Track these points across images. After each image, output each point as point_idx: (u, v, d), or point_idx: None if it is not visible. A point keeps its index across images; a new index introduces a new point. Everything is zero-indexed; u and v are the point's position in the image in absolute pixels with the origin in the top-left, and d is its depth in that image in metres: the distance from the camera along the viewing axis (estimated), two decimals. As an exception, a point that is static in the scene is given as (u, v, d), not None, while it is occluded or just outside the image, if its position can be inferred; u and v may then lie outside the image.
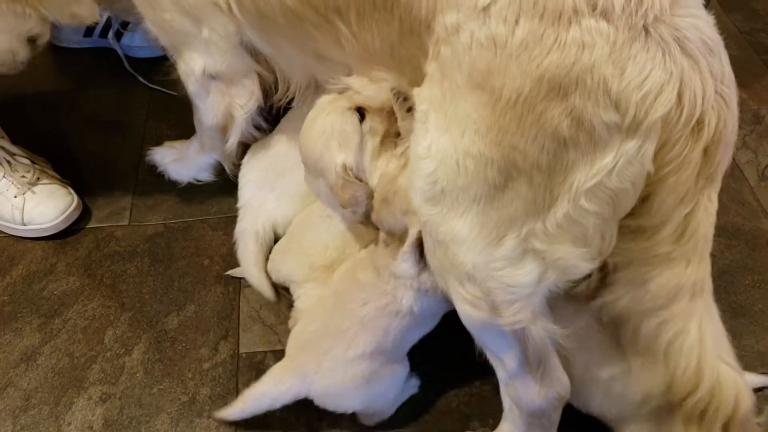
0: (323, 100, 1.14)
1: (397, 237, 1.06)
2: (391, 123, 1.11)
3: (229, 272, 1.37)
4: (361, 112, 1.11)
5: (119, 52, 1.87)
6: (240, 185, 1.41)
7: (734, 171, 1.58)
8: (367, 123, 1.11)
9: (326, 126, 1.10)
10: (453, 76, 0.84)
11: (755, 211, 1.50)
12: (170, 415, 1.19)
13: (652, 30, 0.76)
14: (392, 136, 1.11)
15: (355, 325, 1.08)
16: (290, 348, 1.14)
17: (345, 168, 1.10)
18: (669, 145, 0.79)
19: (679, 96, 0.77)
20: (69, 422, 1.19)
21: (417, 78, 0.94)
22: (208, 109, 1.39)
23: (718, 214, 1.46)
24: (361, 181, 1.11)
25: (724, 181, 1.52)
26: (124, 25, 1.86)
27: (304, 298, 1.24)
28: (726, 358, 0.93)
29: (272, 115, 1.45)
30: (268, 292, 1.31)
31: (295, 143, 1.22)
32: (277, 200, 1.34)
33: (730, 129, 0.82)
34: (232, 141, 1.43)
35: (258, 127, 1.45)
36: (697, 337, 0.90)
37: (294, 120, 1.38)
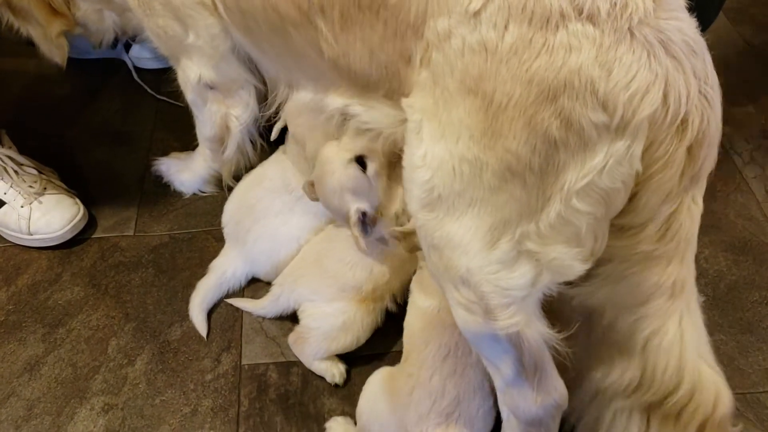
0: (325, 153, 1.20)
1: None
2: (390, 153, 1.17)
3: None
4: (361, 160, 1.19)
5: (128, 63, 1.88)
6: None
7: (742, 186, 1.57)
8: (371, 167, 1.20)
9: (335, 185, 1.20)
10: (445, 83, 0.85)
11: (763, 227, 1.49)
12: (172, 427, 1.19)
13: (637, 32, 0.78)
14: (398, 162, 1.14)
15: (486, 373, 1.06)
16: (428, 420, 1.07)
17: (359, 213, 1.19)
18: (655, 144, 0.81)
19: (665, 96, 0.79)
20: (71, 433, 1.19)
21: (393, 86, 0.96)
22: (206, 119, 1.40)
23: (726, 229, 1.47)
24: (375, 221, 1.22)
25: (731, 196, 1.54)
26: (133, 36, 1.87)
27: (320, 316, 1.24)
28: (706, 357, 0.94)
29: (267, 132, 1.45)
30: (202, 327, 1.32)
31: (271, 187, 1.36)
32: (247, 254, 1.36)
33: (714, 129, 0.83)
34: (229, 152, 1.44)
35: (253, 142, 1.46)
36: (677, 335, 0.91)
37: (275, 162, 1.40)
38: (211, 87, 1.33)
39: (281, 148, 1.41)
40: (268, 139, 1.47)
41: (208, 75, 1.30)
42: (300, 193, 1.32)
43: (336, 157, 1.19)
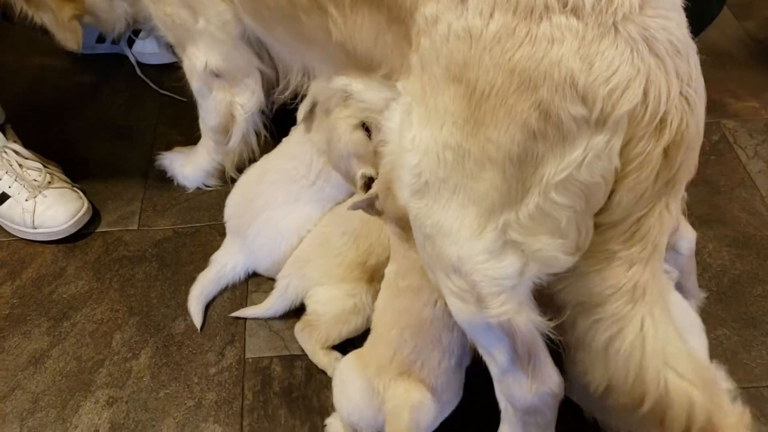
0: (333, 120, 1.21)
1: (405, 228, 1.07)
2: None
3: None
4: (366, 126, 1.20)
5: (131, 58, 1.89)
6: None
7: (746, 181, 1.57)
8: (375, 134, 1.19)
9: (342, 150, 1.21)
10: (432, 69, 0.86)
11: (767, 221, 1.49)
12: (176, 420, 1.20)
13: (621, 28, 0.78)
14: None
15: (444, 328, 1.07)
16: (393, 374, 1.07)
17: (365, 178, 1.20)
18: (633, 141, 0.80)
19: (645, 93, 0.78)
20: (76, 425, 1.19)
21: (396, 67, 0.97)
22: (211, 107, 1.41)
23: (730, 224, 1.47)
24: None
25: (735, 191, 1.54)
26: (136, 32, 1.88)
27: (329, 300, 1.25)
28: (678, 367, 0.88)
29: (271, 122, 1.45)
30: (198, 319, 1.33)
31: (274, 180, 1.35)
32: (248, 249, 1.36)
33: (693, 132, 0.82)
34: (234, 141, 1.45)
35: (257, 133, 1.46)
36: (637, 341, 0.87)
37: (278, 155, 1.40)
38: (217, 75, 1.34)
39: (284, 140, 1.41)
40: (272, 130, 1.48)
41: (215, 62, 1.31)
42: (310, 180, 1.32)
43: (343, 123, 1.20)
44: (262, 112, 1.43)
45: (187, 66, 1.37)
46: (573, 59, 0.77)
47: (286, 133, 1.42)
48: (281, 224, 1.34)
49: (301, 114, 1.32)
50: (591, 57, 0.77)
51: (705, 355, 1.05)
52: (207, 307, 1.36)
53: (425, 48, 0.87)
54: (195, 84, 1.39)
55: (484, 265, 0.88)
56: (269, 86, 1.39)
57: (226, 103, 1.39)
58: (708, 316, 1.26)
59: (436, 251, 0.93)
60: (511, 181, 0.83)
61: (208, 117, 1.44)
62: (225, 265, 1.37)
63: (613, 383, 0.91)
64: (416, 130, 0.89)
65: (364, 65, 1.05)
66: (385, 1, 0.94)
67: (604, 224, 0.86)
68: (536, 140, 0.80)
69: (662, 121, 0.80)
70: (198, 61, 1.32)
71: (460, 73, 0.82)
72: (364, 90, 1.09)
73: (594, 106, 0.77)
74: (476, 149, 0.83)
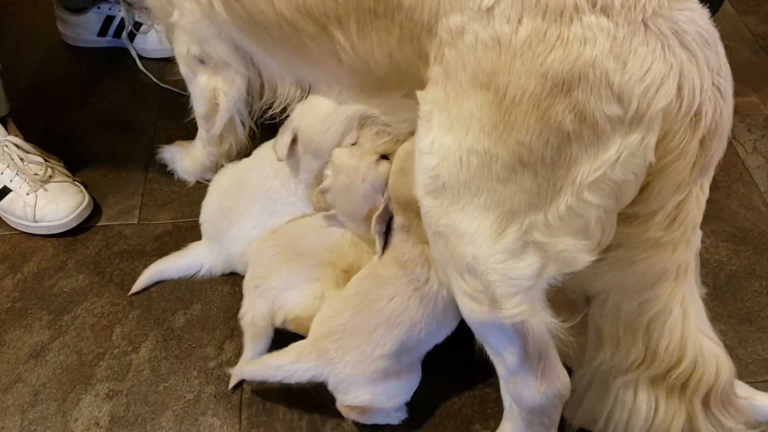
0: (347, 163, 1.18)
1: (413, 211, 1.06)
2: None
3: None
4: (384, 156, 1.17)
5: (132, 52, 1.89)
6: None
7: (744, 176, 1.57)
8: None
9: (368, 189, 1.17)
10: (457, 77, 0.86)
11: (764, 217, 1.49)
12: (175, 413, 1.21)
13: (651, 24, 0.78)
14: None
15: (382, 324, 1.10)
16: (314, 332, 1.15)
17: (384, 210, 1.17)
18: (669, 135, 0.81)
19: (679, 88, 0.79)
20: (76, 418, 1.20)
21: (414, 86, 0.95)
22: (197, 93, 1.40)
23: (727, 219, 1.47)
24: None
25: (734, 186, 1.54)
26: (138, 26, 1.88)
27: (304, 303, 1.21)
28: (706, 331, 0.98)
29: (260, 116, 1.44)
30: (138, 287, 1.37)
31: (250, 194, 1.34)
32: (225, 254, 1.36)
33: (726, 120, 0.84)
34: (216, 128, 1.43)
35: (243, 123, 1.46)
36: (680, 314, 0.94)
37: (257, 173, 1.37)
38: (202, 61, 1.33)
39: (259, 152, 1.39)
40: (261, 127, 1.47)
41: (196, 49, 1.31)
42: (289, 201, 1.31)
43: (362, 163, 1.18)
44: (250, 108, 1.42)
45: (176, 49, 1.37)
46: (607, 59, 0.77)
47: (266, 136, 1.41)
48: (253, 234, 1.32)
49: (282, 144, 1.27)
50: (624, 56, 0.77)
51: None
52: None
53: (449, 59, 0.86)
54: (182, 68, 1.38)
55: (501, 264, 0.88)
56: (256, 89, 1.37)
57: (210, 88, 1.37)
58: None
59: (449, 249, 0.92)
60: (542, 183, 0.83)
61: (197, 104, 1.43)
62: (201, 266, 1.38)
63: (651, 353, 0.96)
64: (436, 134, 0.89)
65: (383, 87, 1.04)
66: (397, 21, 0.92)
67: (644, 214, 0.87)
68: (570, 142, 0.80)
69: (697, 114, 0.81)
70: (182, 45, 1.32)
71: (488, 80, 0.82)
72: (383, 113, 1.07)
73: (630, 105, 0.78)
74: (505, 153, 0.83)
